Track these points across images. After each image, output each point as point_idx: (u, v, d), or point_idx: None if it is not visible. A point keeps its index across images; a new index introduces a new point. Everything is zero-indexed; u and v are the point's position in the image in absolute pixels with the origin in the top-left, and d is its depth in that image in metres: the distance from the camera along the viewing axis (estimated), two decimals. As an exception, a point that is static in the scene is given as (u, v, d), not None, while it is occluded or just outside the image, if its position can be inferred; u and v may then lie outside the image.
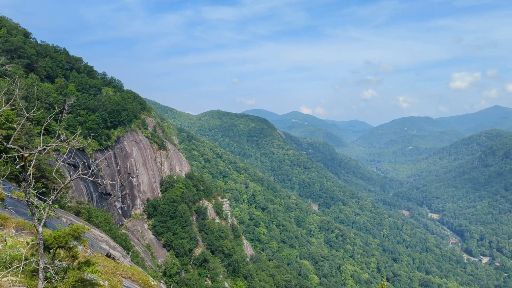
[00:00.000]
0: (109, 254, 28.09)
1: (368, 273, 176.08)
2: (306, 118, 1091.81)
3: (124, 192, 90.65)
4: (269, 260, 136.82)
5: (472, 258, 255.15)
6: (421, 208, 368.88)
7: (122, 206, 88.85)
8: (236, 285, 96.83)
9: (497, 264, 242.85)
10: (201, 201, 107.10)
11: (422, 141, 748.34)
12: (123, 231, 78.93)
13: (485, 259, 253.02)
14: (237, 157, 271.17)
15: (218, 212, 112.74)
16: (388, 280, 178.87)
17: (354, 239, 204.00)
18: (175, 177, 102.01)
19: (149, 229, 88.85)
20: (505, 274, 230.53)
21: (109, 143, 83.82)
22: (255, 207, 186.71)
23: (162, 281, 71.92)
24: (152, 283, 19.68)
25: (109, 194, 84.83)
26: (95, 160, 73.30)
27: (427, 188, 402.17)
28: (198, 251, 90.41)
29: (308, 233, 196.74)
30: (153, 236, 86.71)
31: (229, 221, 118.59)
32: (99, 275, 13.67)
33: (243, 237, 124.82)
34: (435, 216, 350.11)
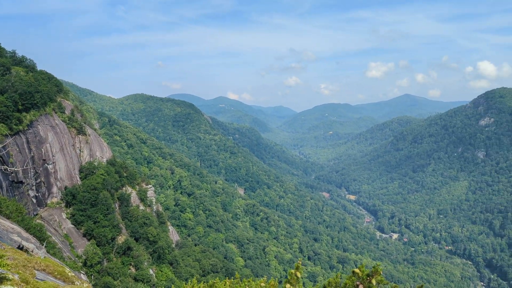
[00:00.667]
0: (21, 246, 26.36)
1: (291, 253, 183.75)
2: (233, 104, 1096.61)
3: (39, 180, 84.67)
4: (195, 245, 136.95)
5: (384, 235, 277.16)
6: (340, 190, 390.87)
7: (37, 194, 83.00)
8: (161, 271, 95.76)
9: (405, 240, 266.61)
10: (124, 188, 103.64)
11: (342, 126, 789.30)
12: (38, 221, 74.01)
13: (395, 236, 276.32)
14: (162, 142, 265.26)
15: (142, 198, 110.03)
16: (309, 259, 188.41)
17: (278, 221, 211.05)
18: (95, 164, 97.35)
19: (67, 218, 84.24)
20: (412, 248, 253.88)
21: (20, 127, 77.31)
22: (181, 193, 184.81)
23: (82, 271, 68.94)
24: (69, 274, 18.89)
25: (21, 182, 78.66)
26: (4, 146, 67.37)
27: (345, 171, 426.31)
28: (121, 239, 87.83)
29: (234, 217, 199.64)
30: (72, 226, 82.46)
31: (154, 207, 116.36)
32: (8, 268, 12.87)
33: (168, 223, 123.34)
34: (352, 197, 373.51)
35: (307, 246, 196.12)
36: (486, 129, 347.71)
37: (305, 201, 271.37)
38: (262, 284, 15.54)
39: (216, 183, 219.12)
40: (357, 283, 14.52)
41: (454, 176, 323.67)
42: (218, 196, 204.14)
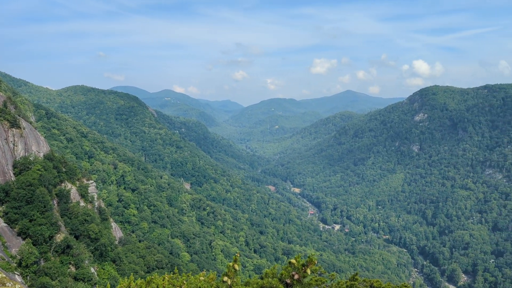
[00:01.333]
0: None
1: (237, 247, 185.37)
2: (179, 97, 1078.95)
3: (-34, 177, 78.80)
4: (140, 241, 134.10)
5: (327, 226, 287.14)
6: (285, 183, 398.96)
7: (-36, 192, 77.24)
8: (104, 269, 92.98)
9: (346, 230, 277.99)
10: (63, 184, 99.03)
11: (287, 121, 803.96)
12: (-34, 221, 69.02)
13: (337, 227, 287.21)
14: (105, 136, 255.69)
15: (83, 194, 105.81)
16: (255, 251, 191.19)
17: (225, 215, 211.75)
18: (31, 158, 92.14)
19: (0, 216, 79.26)
20: (352, 239, 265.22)
21: None
22: (124, 188, 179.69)
23: (16, 272, 65.50)
24: (0, 275, 18.15)
25: None
26: None
27: (290, 165, 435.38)
28: (60, 237, 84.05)
29: (180, 212, 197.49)
30: (5, 224, 77.66)
31: (96, 204, 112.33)
32: None
33: (111, 219, 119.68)
34: (297, 190, 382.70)
35: (253, 239, 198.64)
36: (420, 124, 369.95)
37: (252, 195, 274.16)
38: (201, 278, 15.81)
39: (161, 178, 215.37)
40: (293, 273, 15.26)
41: (392, 169, 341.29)
42: (163, 191, 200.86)
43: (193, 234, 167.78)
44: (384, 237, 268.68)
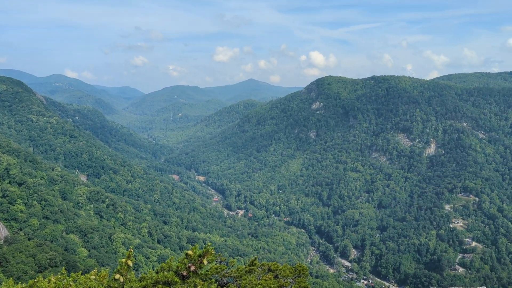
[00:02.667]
0: None
1: (140, 238, 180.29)
2: (72, 83, 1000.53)
3: None
4: (29, 239, 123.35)
5: (231, 212, 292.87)
6: (190, 171, 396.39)
7: None
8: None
9: (250, 215, 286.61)
10: None
11: (191, 109, 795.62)
12: None
13: (241, 212, 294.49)
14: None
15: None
16: (159, 242, 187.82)
17: (126, 207, 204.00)
18: None
19: None
20: (255, 223, 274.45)
21: None
22: (9, 182, 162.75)
23: None
24: None
25: None
26: None
27: (195, 153, 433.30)
28: None
29: (75, 205, 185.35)
30: None
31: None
32: None
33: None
34: (201, 178, 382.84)
35: (156, 230, 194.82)
36: (317, 112, 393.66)
37: (155, 185, 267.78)
38: (92, 277, 15.26)
39: (53, 170, 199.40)
40: (189, 264, 15.46)
41: (291, 155, 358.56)
42: (56, 184, 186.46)
43: (91, 228, 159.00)
44: (285, 219, 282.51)
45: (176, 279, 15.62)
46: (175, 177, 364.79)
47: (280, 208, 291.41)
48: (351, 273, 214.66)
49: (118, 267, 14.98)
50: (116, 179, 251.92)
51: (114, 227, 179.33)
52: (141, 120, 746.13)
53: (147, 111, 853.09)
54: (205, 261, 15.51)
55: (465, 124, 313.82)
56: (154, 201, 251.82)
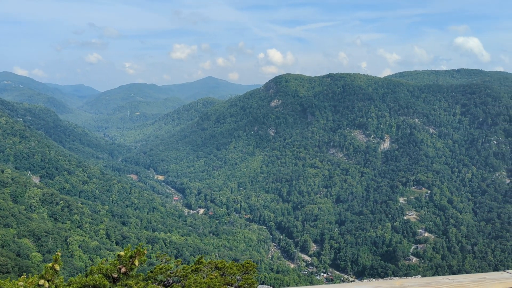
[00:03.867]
0: None
1: (97, 240, 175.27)
2: (22, 81, 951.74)
3: None
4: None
5: (191, 211, 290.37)
6: (149, 171, 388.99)
7: None
8: None
9: (211, 213, 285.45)
10: None
11: (149, 107, 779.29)
12: None
13: (201, 210, 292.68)
14: None
15: None
16: (117, 243, 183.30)
17: (82, 209, 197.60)
18: None
19: None
20: (216, 221, 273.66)
21: None
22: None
23: None
24: None
25: None
26: None
27: (153, 152, 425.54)
28: None
29: (28, 208, 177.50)
30: None
31: None
32: None
33: None
34: (161, 177, 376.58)
35: (114, 231, 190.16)
36: (276, 109, 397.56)
37: (112, 185, 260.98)
38: (20, 283, 14.55)
39: (3, 172, 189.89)
40: (120, 266, 15.26)
41: (251, 152, 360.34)
42: (6, 187, 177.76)
43: (45, 232, 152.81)
44: (246, 216, 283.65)
45: (105, 282, 15.31)
46: (134, 176, 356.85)
47: (240, 205, 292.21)
48: (311, 267, 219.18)
49: (43, 272, 14.38)
50: (71, 180, 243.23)
51: (70, 230, 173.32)
52: (97, 119, 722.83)
53: (103, 110, 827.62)
54: (136, 262, 15.36)
55: (417, 120, 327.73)
56: (112, 201, 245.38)
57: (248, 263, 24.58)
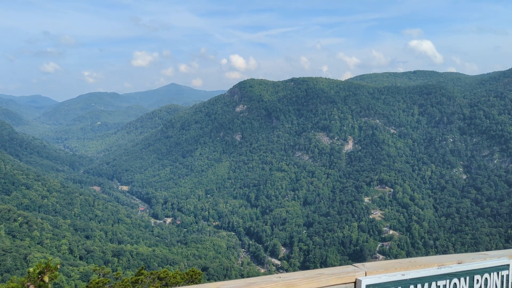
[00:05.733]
0: None
1: (60, 257, 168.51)
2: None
3: None
4: None
5: (158, 221, 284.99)
6: (112, 182, 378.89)
7: None
8: None
9: (178, 222, 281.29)
10: None
11: (110, 116, 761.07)
12: None
13: (168, 220, 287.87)
14: None
15: None
16: (81, 258, 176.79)
17: (42, 224, 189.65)
18: None
19: None
20: (184, 230, 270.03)
21: None
22: None
23: None
24: None
25: None
26: None
27: (117, 162, 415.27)
28: None
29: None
30: None
31: None
32: None
33: None
34: (125, 188, 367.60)
35: (78, 246, 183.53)
36: (241, 115, 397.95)
37: (74, 198, 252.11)
38: None
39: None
40: (27, 284, 14.42)
41: (218, 158, 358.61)
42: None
43: (3, 250, 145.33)
44: (214, 223, 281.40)
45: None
46: (97, 188, 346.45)
47: (208, 212, 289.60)
48: (281, 270, 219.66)
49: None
50: (29, 195, 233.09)
51: (30, 247, 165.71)
52: (56, 130, 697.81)
53: (62, 121, 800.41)
54: (46, 278, 14.68)
55: (378, 121, 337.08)
56: (74, 215, 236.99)
57: (193, 271, 24.10)
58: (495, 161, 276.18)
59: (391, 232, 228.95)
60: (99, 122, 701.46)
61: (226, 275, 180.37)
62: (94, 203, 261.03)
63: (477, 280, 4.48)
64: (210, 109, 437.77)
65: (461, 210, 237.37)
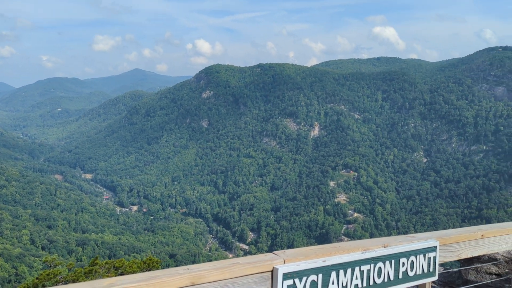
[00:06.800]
0: None
1: (21, 247, 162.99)
2: None
3: None
4: None
5: (124, 209, 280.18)
6: (75, 170, 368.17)
7: None
8: None
9: (145, 210, 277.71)
10: None
11: (71, 102, 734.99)
12: None
13: (134, 208, 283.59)
14: None
15: None
16: (43, 249, 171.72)
17: (1, 215, 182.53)
18: None
19: None
20: (151, 217, 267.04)
21: None
22: None
23: None
24: None
25: None
26: None
27: (79, 150, 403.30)
28: None
29: None
30: None
31: None
32: None
33: None
34: (88, 176, 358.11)
35: (39, 236, 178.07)
36: (208, 101, 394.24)
37: (34, 187, 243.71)
38: None
39: None
40: None
41: (185, 145, 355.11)
42: None
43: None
44: (182, 210, 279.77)
45: None
46: (58, 177, 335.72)
47: (176, 199, 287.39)
48: (249, 255, 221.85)
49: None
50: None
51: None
52: (13, 117, 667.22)
53: (20, 107, 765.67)
54: None
55: (343, 107, 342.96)
56: (35, 205, 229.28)
57: (150, 259, 23.80)
58: (453, 145, 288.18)
59: (355, 215, 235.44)
60: (60, 109, 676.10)
61: (194, 262, 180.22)
62: (56, 192, 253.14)
63: (403, 263, 4.31)
64: (175, 95, 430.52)
65: (421, 192, 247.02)
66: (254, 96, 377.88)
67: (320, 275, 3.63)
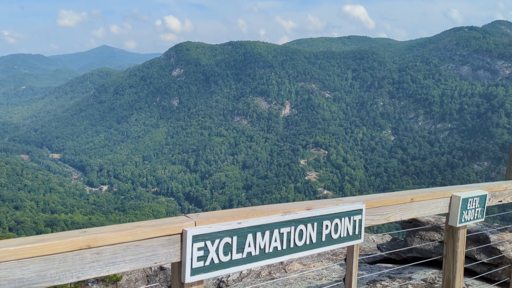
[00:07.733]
0: None
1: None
2: None
3: None
4: None
5: (94, 189, 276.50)
6: (42, 150, 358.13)
7: None
8: None
9: (115, 189, 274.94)
10: None
11: (36, 80, 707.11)
12: None
13: (105, 187, 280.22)
14: None
15: None
16: (10, 230, 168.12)
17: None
18: None
19: None
20: (122, 197, 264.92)
21: None
22: None
23: None
24: None
25: None
26: None
27: (46, 129, 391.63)
28: None
29: None
30: None
31: None
32: None
33: None
34: (56, 156, 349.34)
35: (6, 217, 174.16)
36: (178, 79, 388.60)
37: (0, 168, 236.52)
38: None
39: None
40: None
41: (155, 124, 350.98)
42: None
43: None
44: (153, 189, 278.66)
45: None
46: (25, 157, 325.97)
47: (147, 179, 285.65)
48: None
49: None
50: None
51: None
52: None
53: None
54: None
55: (314, 86, 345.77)
56: (1, 185, 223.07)
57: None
58: (420, 123, 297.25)
59: (325, 192, 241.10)
60: (24, 87, 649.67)
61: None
62: (22, 172, 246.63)
63: (327, 226, 4.16)
64: (145, 72, 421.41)
65: (389, 170, 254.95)
66: (225, 75, 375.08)
67: (235, 238, 3.42)
